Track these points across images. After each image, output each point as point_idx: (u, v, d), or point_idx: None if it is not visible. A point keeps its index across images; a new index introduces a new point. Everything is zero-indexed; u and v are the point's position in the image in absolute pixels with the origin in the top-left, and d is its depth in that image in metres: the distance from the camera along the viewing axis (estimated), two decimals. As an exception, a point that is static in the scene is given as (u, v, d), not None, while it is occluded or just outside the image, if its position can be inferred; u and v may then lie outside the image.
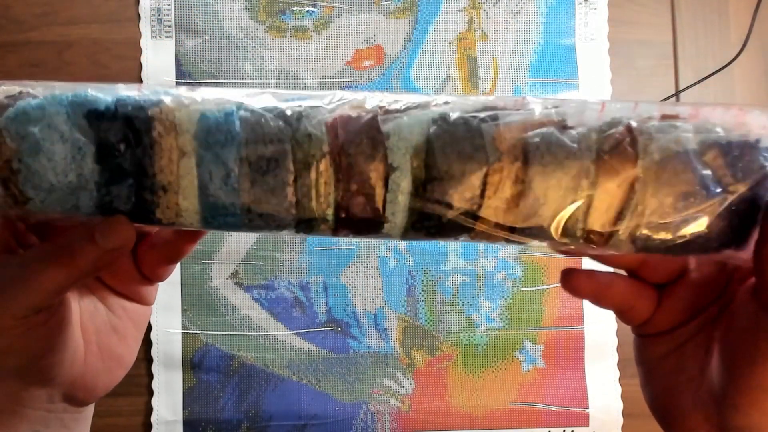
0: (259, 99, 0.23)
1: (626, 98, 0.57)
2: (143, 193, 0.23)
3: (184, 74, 0.55)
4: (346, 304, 0.55)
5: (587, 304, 0.55)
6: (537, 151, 0.22)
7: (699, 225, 0.22)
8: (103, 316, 0.29)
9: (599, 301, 0.27)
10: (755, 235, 0.23)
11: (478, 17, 0.56)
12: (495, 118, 0.22)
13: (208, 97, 0.23)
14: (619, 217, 0.23)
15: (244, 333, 0.54)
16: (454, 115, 0.22)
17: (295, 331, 0.54)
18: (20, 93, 0.23)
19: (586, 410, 0.55)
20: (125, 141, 0.23)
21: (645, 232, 0.23)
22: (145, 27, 0.55)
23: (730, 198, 0.22)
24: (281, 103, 0.23)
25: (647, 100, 0.57)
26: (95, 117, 0.22)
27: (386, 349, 0.55)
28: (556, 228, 0.23)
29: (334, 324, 0.55)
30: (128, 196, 0.23)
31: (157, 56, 0.55)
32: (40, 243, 0.26)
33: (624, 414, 0.55)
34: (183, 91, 0.23)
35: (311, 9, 0.56)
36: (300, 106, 0.23)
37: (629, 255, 0.25)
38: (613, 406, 0.55)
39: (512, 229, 0.23)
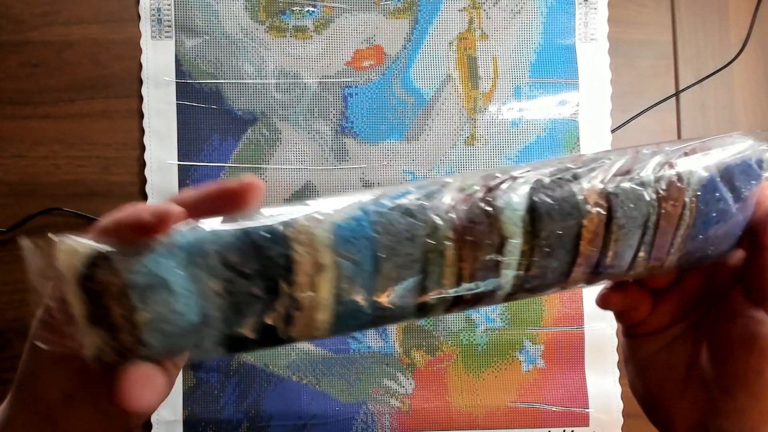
0: (368, 199, 0.24)
1: (626, 99, 0.57)
2: (276, 317, 0.22)
3: (184, 74, 0.55)
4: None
5: (587, 304, 0.56)
6: (617, 199, 0.25)
7: (721, 236, 0.27)
8: None
9: (621, 308, 0.31)
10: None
11: (478, 17, 0.56)
12: (576, 176, 0.25)
13: (326, 209, 0.23)
14: (672, 243, 0.26)
15: (244, 333, 0.54)
16: (545, 180, 0.25)
17: (295, 331, 0.54)
18: (135, 241, 0.22)
19: (586, 410, 0.55)
20: (260, 266, 0.22)
21: (689, 250, 0.27)
22: (145, 27, 0.55)
23: (740, 209, 0.27)
24: (394, 200, 0.24)
25: (647, 101, 0.57)
26: (227, 249, 0.22)
27: (386, 349, 0.55)
28: (624, 266, 0.26)
29: (334, 324, 0.55)
30: (258, 325, 0.22)
31: (157, 56, 0.55)
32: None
33: (624, 414, 0.55)
34: (306, 208, 0.23)
35: (311, 9, 0.56)
36: (416, 198, 0.24)
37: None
38: (613, 406, 0.55)
39: (594, 274, 0.26)
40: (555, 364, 0.55)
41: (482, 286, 0.25)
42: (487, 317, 0.55)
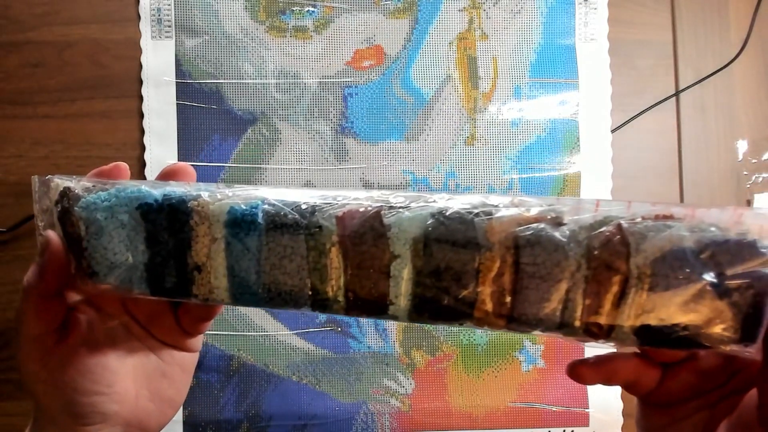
0: (282, 194, 0.27)
1: (626, 99, 0.57)
2: (182, 272, 0.28)
3: (184, 74, 0.55)
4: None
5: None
6: (527, 245, 0.24)
7: (698, 320, 0.24)
8: (153, 364, 0.33)
9: (606, 383, 0.30)
10: (761, 336, 0.24)
11: (478, 17, 0.56)
12: (489, 213, 0.25)
13: (240, 193, 0.27)
14: (617, 311, 0.24)
15: (244, 333, 0.54)
16: (450, 211, 0.25)
17: (295, 331, 0.54)
18: (93, 186, 0.28)
19: (586, 410, 0.55)
20: (169, 229, 0.27)
21: (645, 326, 0.24)
22: (145, 27, 0.55)
23: (732, 295, 0.23)
24: (303, 198, 0.27)
25: (647, 101, 0.57)
26: (146, 209, 0.27)
27: (386, 349, 0.55)
28: (552, 320, 0.25)
29: (334, 324, 0.55)
30: (170, 275, 0.28)
31: (157, 56, 0.55)
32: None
33: (624, 414, 0.55)
34: (220, 188, 0.28)
35: (311, 9, 0.56)
36: (315, 201, 0.27)
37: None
38: (613, 406, 0.55)
39: (510, 319, 0.25)
40: (555, 364, 0.55)
41: (371, 295, 0.26)
42: (487, 317, 0.55)
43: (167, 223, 0.27)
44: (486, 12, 0.56)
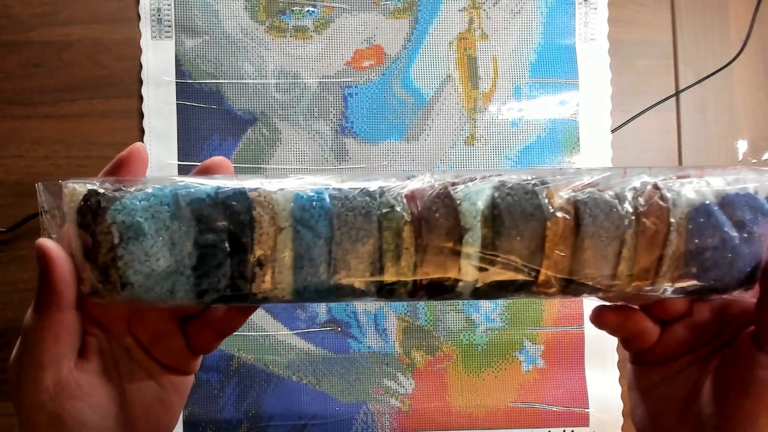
0: (338, 182, 0.26)
1: (626, 99, 0.57)
2: (241, 271, 0.25)
3: (184, 74, 0.55)
4: (346, 304, 0.55)
5: (587, 304, 0.55)
6: (585, 206, 0.26)
7: (724, 268, 0.26)
8: (153, 392, 0.31)
9: (618, 331, 0.31)
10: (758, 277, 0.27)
11: (478, 17, 0.56)
12: (544, 182, 0.26)
13: (295, 184, 0.26)
14: (660, 264, 0.26)
15: (244, 333, 0.54)
16: (511, 182, 0.26)
17: (295, 331, 0.54)
18: (121, 188, 0.25)
19: (586, 410, 0.55)
20: (227, 224, 0.25)
21: (682, 275, 0.27)
22: (145, 27, 0.55)
23: (746, 242, 0.26)
24: (360, 183, 0.26)
25: (647, 101, 0.57)
26: (198, 205, 0.25)
27: (386, 349, 0.55)
28: (606, 278, 0.26)
29: (334, 324, 0.55)
30: (224, 275, 0.25)
31: (157, 56, 0.55)
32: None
33: (624, 414, 0.55)
34: (274, 180, 0.26)
35: (311, 9, 0.56)
36: (378, 185, 0.26)
37: (666, 298, 0.28)
38: (613, 406, 0.55)
39: (568, 282, 0.26)
40: (555, 364, 0.55)
41: (442, 272, 0.26)
42: (487, 317, 0.55)
43: (225, 218, 0.25)
44: (486, 12, 0.56)
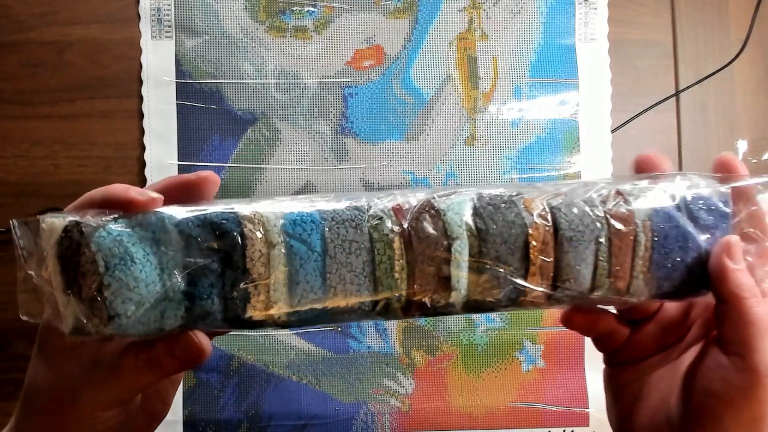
0: (317, 203, 0.26)
1: (626, 99, 0.57)
2: (233, 291, 0.24)
3: (184, 74, 0.55)
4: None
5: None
6: (560, 212, 0.27)
7: (693, 268, 0.28)
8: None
9: (587, 332, 0.33)
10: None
11: (478, 17, 0.56)
12: (519, 193, 0.27)
13: (272, 207, 0.26)
14: (633, 266, 0.27)
15: (244, 333, 0.54)
16: (487, 194, 0.27)
17: (295, 331, 0.54)
18: (103, 219, 0.24)
19: (586, 410, 0.55)
20: (216, 243, 0.24)
21: (659, 277, 0.28)
22: (145, 27, 0.55)
23: (709, 243, 0.28)
24: (343, 202, 0.26)
25: (647, 101, 0.57)
26: (185, 225, 0.24)
27: (386, 349, 0.55)
28: (586, 283, 0.27)
29: (334, 324, 0.55)
30: (216, 298, 0.24)
31: (157, 56, 0.55)
32: (130, 351, 0.27)
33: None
34: (245, 205, 0.25)
35: (311, 9, 0.56)
36: (365, 199, 0.27)
37: (640, 302, 0.29)
38: (613, 406, 0.55)
39: (554, 287, 0.27)
40: (555, 364, 0.55)
41: (433, 283, 0.26)
42: (487, 317, 0.55)
43: (214, 238, 0.24)
44: (486, 12, 0.56)
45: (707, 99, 0.58)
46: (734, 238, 0.27)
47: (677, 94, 0.58)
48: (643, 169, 0.30)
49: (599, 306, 0.32)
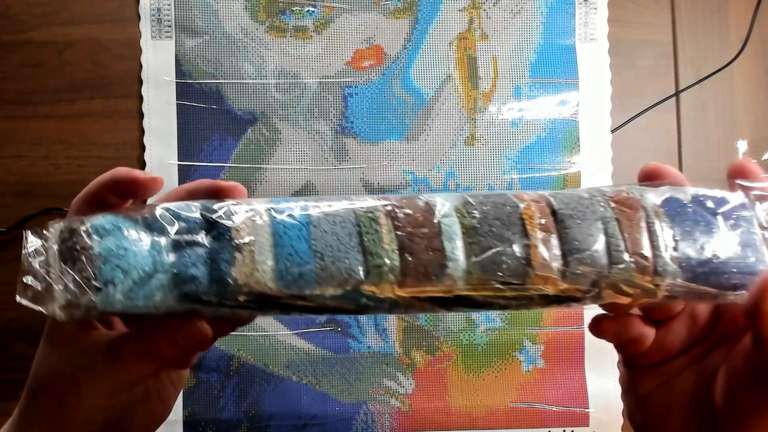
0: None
1: (626, 99, 0.57)
2: (219, 256, 0.24)
3: (184, 74, 0.55)
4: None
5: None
6: (555, 198, 0.26)
7: (720, 252, 0.26)
8: (150, 385, 0.31)
9: (616, 338, 0.31)
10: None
11: (478, 17, 0.56)
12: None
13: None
14: (653, 242, 0.26)
15: (244, 333, 0.54)
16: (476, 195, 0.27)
17: (295, 331, 0.54)
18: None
19: (586, 410, 0.55)
20: (203, 216, 0.25)
21: (687, 256, 0.26)
22: (145, 27, 0.55)
23: (732, 232, 0.27)
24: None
25: (647, 101, 0.57)
26: (174, 209, 0.25)
27: (386, 349, 0.55)
28: (602, 258, 0.26)
29: (334, 324, 0.55)
30: (201, 267, 0.24)
31: (157, 56, 0.55)
32: (130, 337, 0.28)
33: (624, 414, 0.55)
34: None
35: (311, 9, 0.56)
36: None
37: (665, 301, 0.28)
38: (613, 406, 0.55)
39: (565, 263, 0.26)
40: (555, 364, 0.55)
41: (428, 254, 0.25)
42: (487, 317, 0.55)
43: (201, 214, 0.25)
44: (486, 12, 0.56)
45: (707, 99, 0.58)
46: None
47: (677, 94, 0.58)
48: (649, 178, 0.29)
49: (629, 302, 0.29)
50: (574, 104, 0.56)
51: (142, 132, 0.55)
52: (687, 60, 0.58)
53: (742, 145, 0.58)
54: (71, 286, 0.24)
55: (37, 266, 0.25)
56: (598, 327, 0.31)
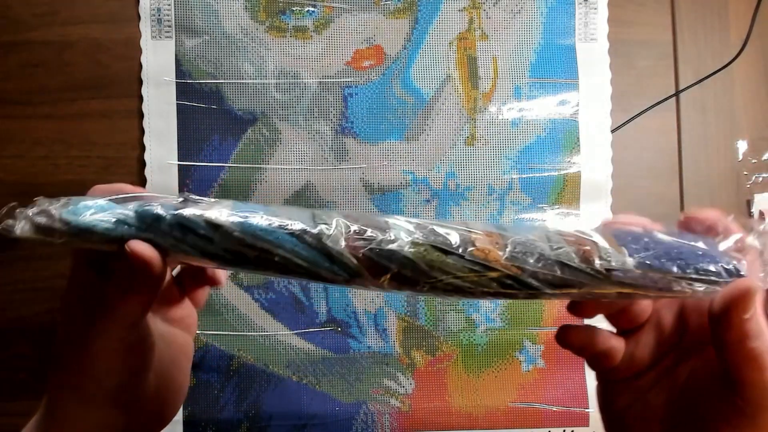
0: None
1: (626, 99, 0.57)
2: (182, 205, 0.27)
3: (184, 74, 0.55)
4: (346, 304, 0.55)
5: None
6: (506, 233, 0.28)
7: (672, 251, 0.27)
8: (162, 350, 0.32)
9: (584, 351, 0.31)
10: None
11: (478, 17, 0.56)
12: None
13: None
14: (599, 248, 0.27)
15: (244, 333, 0.54)
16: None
17: (295, 331, 0.54)
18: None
19: (586, 410, 0.55)
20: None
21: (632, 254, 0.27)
22: (145, 27, 0.55)
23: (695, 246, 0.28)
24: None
25: (647, 101, 0.57)
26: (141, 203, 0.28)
27: (386, 349, 0.55)
28: (550, 256, 0.27)
29: (334, 324, 0.55)
30: (161, 207, 0.27)
31: (157, 56, 0.55)
32: (114, 277, 0.29)
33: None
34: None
35: (311, 9, 0.56)
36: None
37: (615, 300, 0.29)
38: (613, 406, 0.55)
39: (510, 259, 0.27)
40: (555, 364, 0.55)
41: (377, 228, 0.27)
42: (487, 317, 0.55)
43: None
44: (486, 12, 0.56)
45: (707, 99, 0.58)
46: (747, 284, 0.25)
47: (677, 94, 0.58)
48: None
49: (582, 292, 0.30)
50: (574, 104, 0.56)
51: (142, 132, 0.55)
52: (687, 60, 0.58)
53: (742, 145, 0.58)
54: (43, 203, 0.29)
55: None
56: (564, 336, 0.31)
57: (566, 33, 0.57)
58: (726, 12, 0.58)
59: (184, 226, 0.27)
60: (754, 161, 0.58)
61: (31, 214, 0.28)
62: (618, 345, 0.30)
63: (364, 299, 0.55)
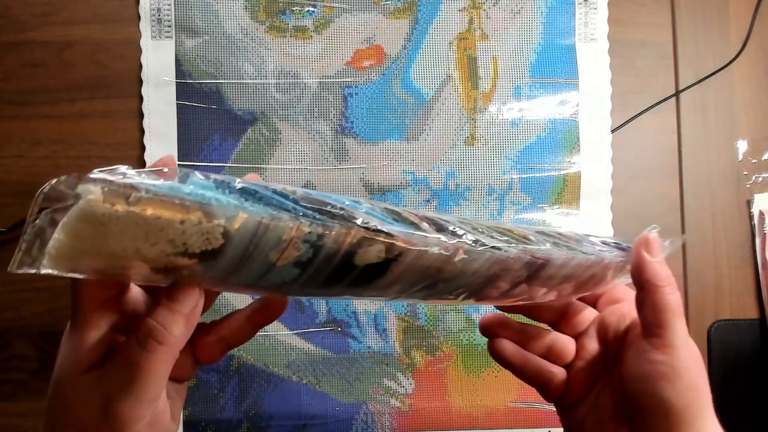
0: None
1: (626, 99, 0.57)
2: None
3: (184, 74, 0.55)
4: (346, 304, 0.55)
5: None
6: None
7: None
8: (163, 400, 0.30)
9: (520, 372, 0.35)
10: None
11: (478, 17, 0.56)
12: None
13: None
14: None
15: (244, 333, 0.54)
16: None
17: (295, 331, 0.54)
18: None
19: (586, 410, 0.55)
20: None
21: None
22: (145, 27, 0.55)
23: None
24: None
25: (647, 101, 0.57)
26: None
27: (386, 349, 0.55)
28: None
29: (334, 324, 0.55)
30: None
31: (157, 56, 0.55)
32: (134, 334, 0.26)
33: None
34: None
35: (311, 9, 0.56)
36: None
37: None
38: (613, 406, 0.55)
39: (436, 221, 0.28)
40: (555, 364, 0.55)
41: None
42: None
43: None
44: (486, 12, 0.56)
45: (707, 99, 0.58)
46: (653, 234, 0.31)
47: (677, 94, 0.58)
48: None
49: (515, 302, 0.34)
50: (574, 104, 0.56)
51: (142, 132, 0.55)
52: (687, 60, 0.58)
53: (742, 145, 0.58)
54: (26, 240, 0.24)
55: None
56: (494, 346, 0.36)
57: (566, 33, 0.57)
58: (726, 12, 0.58)
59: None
60: (754, 161, 0.58)
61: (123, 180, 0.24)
62: (557, 372, 0.35)
63: (364, 299, 0.55)
